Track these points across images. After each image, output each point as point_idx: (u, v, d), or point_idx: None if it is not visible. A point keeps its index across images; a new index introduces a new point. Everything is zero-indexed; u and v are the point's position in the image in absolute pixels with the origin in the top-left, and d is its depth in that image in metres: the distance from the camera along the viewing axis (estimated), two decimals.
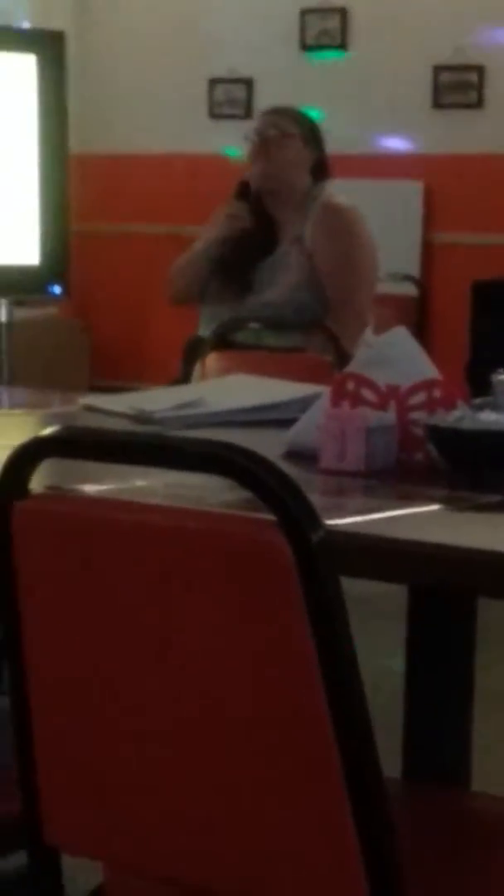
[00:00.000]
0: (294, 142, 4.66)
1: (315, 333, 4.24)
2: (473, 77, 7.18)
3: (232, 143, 7.04)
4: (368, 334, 2.21)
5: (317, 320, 4.41)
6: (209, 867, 1.51)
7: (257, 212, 4.67)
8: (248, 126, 4.86)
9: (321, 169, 4.70)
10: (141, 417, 2.44)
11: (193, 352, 3.90)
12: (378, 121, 7.34)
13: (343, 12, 7.41)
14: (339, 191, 4.74)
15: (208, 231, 4.74)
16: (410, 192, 7.27)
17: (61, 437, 1.51)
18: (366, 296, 4.60)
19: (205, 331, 4.48)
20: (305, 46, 7.53)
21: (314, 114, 4.92)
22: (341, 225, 4.58)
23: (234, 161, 4.82)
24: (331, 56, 7.49)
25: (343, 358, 3.55)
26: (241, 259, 4.63)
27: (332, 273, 4.54)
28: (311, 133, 4.71)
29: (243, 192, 4.68)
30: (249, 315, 4.47)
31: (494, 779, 2.66)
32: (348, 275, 4.55)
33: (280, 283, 4.56)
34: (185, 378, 3.84)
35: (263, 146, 4.64)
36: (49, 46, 6.28)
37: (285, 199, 4.63)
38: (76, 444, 1.52)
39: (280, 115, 4.77)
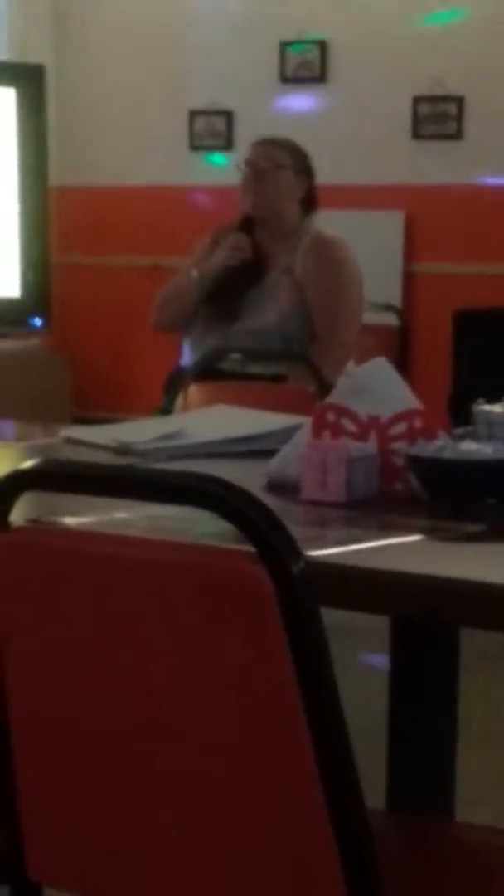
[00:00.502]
0: (286, 173, 4.68)
1: (298, 363, 4.26)
2: (452, 108, 7.21)
3: (212, 175, 7.07)
4: (350, 365, 2.21)
5: (300, 351, 4.42)
6: None
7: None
8: (239, 156, 4.87)
9: (311, 200, 4.73)
10: (122, 449, 2.44)
11: (175, 382, 3.90)
12: (358, 152, 7.36)
13: (322, 45, 7.44)
14: (320, 220, 4.76)
15: (192, 261, 4.75)
16: (391, 223, 7.29)
17: (42, 469, 1.51)
18: (352, 328, 4.63)
19: (190, 358, 4.50)
20: (285, 78, 7.56)
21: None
22: (331, 257, 4.60)
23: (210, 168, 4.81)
24: (310, 88, 7.52)
25: (325, 388, 3.56)
26: (230, 288, 4.65)
27: (321, 304, 4.56)
28: (302, 164, 4.73)
29: (245, 224, 4.69)
30: (233, 345, 4.48)
31: (478, 808, 2.65)
32: (336, 307, 4.57)
33: (268, 311, 4.58)
34: (167, 409, 3.84)
35: (256, 177, 4.66)
36: (29, 79, 6.30)
37: (275, 229, 4.65)
38: (56, 477, 1.52)
39: (273, 146, 4.79)
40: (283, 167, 4.67)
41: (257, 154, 4.74)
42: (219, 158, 7.47)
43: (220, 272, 4.65)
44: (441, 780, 2.18)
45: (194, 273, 4.70)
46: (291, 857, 1.42)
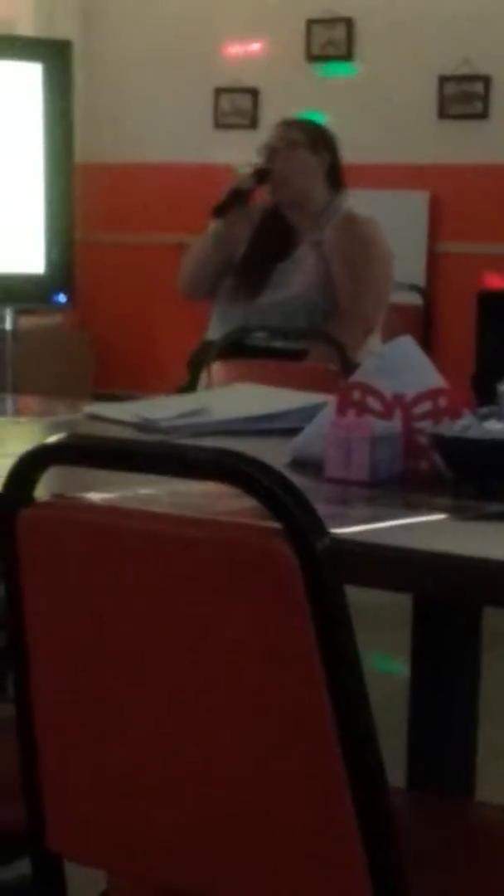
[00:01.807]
0: (299, 151, 4.68)
1: (320, 339, 4.27)
2: (479, 87, 7.18)
3: (237, 153, 7.05)
4: (375, 344, 2.21)
5: (323, 328, 4.43)
6: (212, 875, 1.51)
7: (275, 217, 4.70)
8: (253, 137, 4.90)
9: (336, 175, 4.72)
10: (145, 426, 2.44)
11: (200, 359, 3.91)
12: (384, 131, 7.34)
13: (349, 22, 7.41)
14: (350, 200, 4.75)
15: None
16: (416, 202, 7.27)
17: (67, 444, 1.51)
18: (374, 303, 4.63)
19: (215, 332, 4.51)
20: (311, 57, 7.53)
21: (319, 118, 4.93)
22: (360, 233, 4.61)
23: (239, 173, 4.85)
24: (337, 67, 7.50)
25: (347, 365, 3.56)
26: (258, 259, 4.66)
27: (345, 278, 4.57)
28: (319, 141, 4.73)
29: (258, 173, 4.70)
30: (258, 320, 4.49)
31: (499, 787, 2.65)
32: (360, 279, 4.58)
33: (294, 284, 4.60)
34: (191, 385, 3.84)
35: (272, 157, 4.68)
36: (55, 55, 6.28)
37: (300, 207, 4.66)
38: (83, 452, 1.52)
39: (288, 126, 4.80)
40: (297, 145, 4.68)
41: (272, 136, 4.76)
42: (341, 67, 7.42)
43: (230, 199, 4.65)
44: (461, 759, 2.18)
45: (210, 224, 4.73)
46: (312, 833, 1.42)
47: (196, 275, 4.76)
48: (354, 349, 4.15)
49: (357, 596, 1.48)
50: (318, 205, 4.67)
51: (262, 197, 4.81)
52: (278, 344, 4.40)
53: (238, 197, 4.71)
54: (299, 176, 4.67)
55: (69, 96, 6.30)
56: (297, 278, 4.60)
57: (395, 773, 1.82)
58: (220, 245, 4.70)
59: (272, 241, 4.69)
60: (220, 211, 4.71)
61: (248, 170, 4.80)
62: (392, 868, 1.41)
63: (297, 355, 4.29)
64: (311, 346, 4.34)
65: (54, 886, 1.63)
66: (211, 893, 1.53)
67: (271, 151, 4.69)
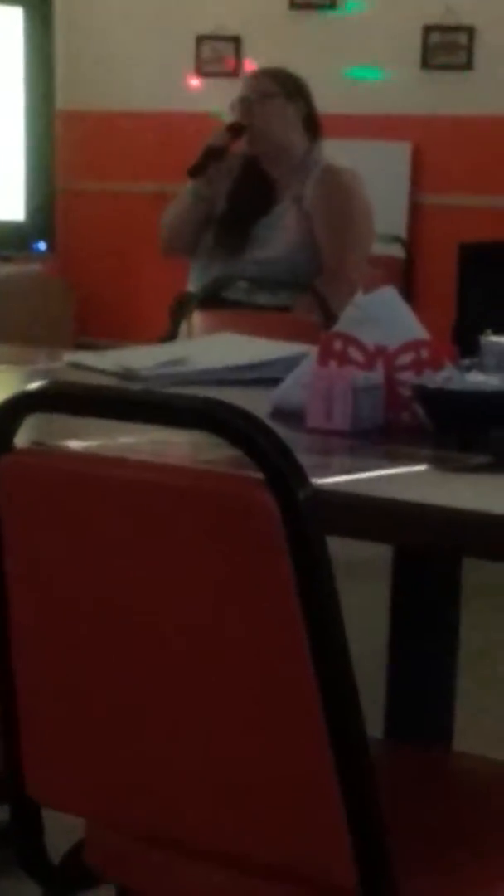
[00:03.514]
0: (275, 101, 4.63)
1: (304, 294, 4.25)
2: (463, 38, 7.14)
3: (219, 101, 7.00)
4: (357, 295, 2.20)
5: (307, 281, 4.40)
6: (190, 824, 1.51)
7: (254, 170, 4.66)
8: (234, 84, 4.85)
9: (312, 125, 4.67)
10: (126, 375, 2.43)
11: (181, 308, 3.89)
12: (366, 81, 7.30)
13: None
14: (328, 150, 4.72)
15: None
16: (398, 153, 7.24)
17: (47, 391, 1.50)
18: (358, 259, 4.60)
19: (195, 286, 4.48)
20: (294, 4, 7.48)
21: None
22: (341, 187, 4.57)
23: (218, 119, 4.81)
24: (320, 14, 7.44)
25: (330, 319, 3.55)
26: (238, 216, 4.62)
27: (329, 235, 4.53)
28: (294, 89, 4.68)
29: (232, 127, 4.67)
30: (240, 273, 4.46)
31: (476, 738, 2.66)
32: (344, 237, 4.55)
33: (276, 241, 4.56)
34: (172, 335, 3.83)
35: (247, 110, 4.62)
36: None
37: (280, 159, 4.62)
38: (62, 399, 1.51)
39: (260, 77, 4.75)
40: (271, 95, 4.63)
41: (245, 88, 4.71)
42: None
43: (206, 155, 4.62)
44: (440, 710, 2.19)
45: (189, 182, 4.69)
46: (292, 782, 1.43)
47: (176, 232, 4.72)
48: (340, 304, 4.13)
49: (338, 546, 1.48)
50: (296, 155, 4.62)
51: (241, 148, 4.77)
52: (261, 299, 4.38)
53: (214, 154, 4.66)
54: (277, 127, 4.62)
55: (50, 42, 6.26)
56: (279, 236, 4.57)
57: (374, 723, 1.82)
58: (200, 202, 4.66)
59: (252, 195, 4.64)
60: (196, 170, 4.66)
61: (222, 123, 4.76)
62: (371, 815, 1.41)
63: (279, 311, 4.27)
64: (295, 302, 4.32)
65: (32, 833, 1.63)
66: (188, 840, 1.53)
67: (246, 104, 4.64)
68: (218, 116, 4.82)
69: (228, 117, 4.77)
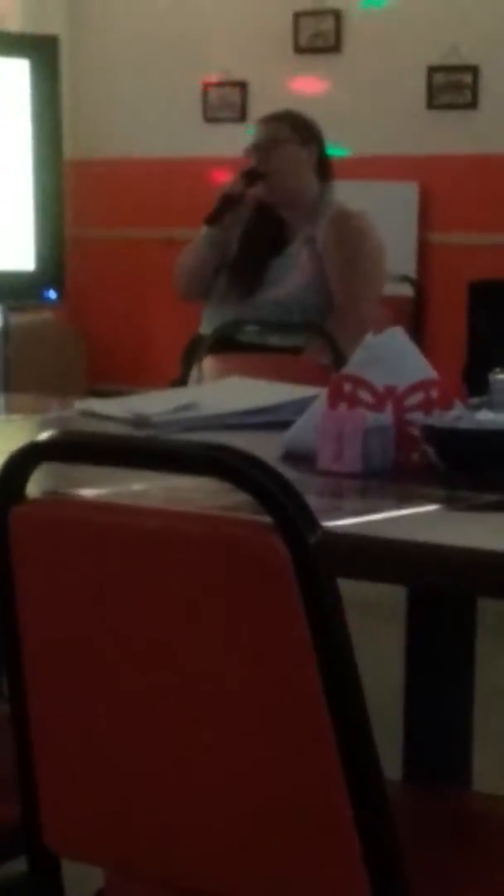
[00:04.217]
0: (289, 147, 4.65)
1: (315, 335, 4.26)
2: (468, 77, 7.18)
3: (227, 146, 7.04)
4: (367, 336, 2.21)
5: (319, 322, 4.41)
6: (208, 871, 1.51)
7: (267, 213, 4.68)
8: (242, 130, 4.87)
9: (324, 168, 4.69)
10: (138, 421, 2.44)
11: (193, 352, 3.90)
12: (373, 122, 7.34)
13: (337, 14, 7.40)
14: (338, 193, 4.74)
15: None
16: (406, 193, 7.27)
17: (58, 441, 1.51)
18: (371, 303, 4.61)
19: (207, 329, 4.49)
20: (299, 49, 7.53)
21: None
22: (353, 229, 4.59)
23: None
24: (325, 58, 7.49)
25: (341, 360, 3.56)
26: (251, 258, 4.64)
27: (340, 276, 4.54)
28: (306, 132, 4.70)
29: (248, 174, 4.68)
30: (251, 317, 4.48)
31: (495, 777, 2.65)
32: (356, 281, 4.56)
33: (288, 282, 4.57)
34: (183, 379, 3.84)
35: (262, 158, 4.63)
36: (43, 51, 6.27)
37: (293, 203, 4.64)
38: (73, 449, 1.52)
39: (272, 121, 4.77)
40: (286, 141, 4.65)
41: (258, 134, 4.72)
42: None
43: (222, 204, 4.63)
44: (457, 750, 2.18)
45: (203, 228, 4.71)
46: (309, 826, 1.42)
47: (192, 278, 4.73)
48: (350, 347, 4.14)
49: (352, 587, 1.48)
50: (309, 198, 4.65)
51: (254, 194, 4.78)
52: (273, 341, 4.39)
53: (230, 202, 4.68)
54: (292, 173, 4.64)
55: (57, 92, 6.30)
56: (291, 275, 4.58)
57: (392, 765, 1.82)
58: (214, 249, 4.68)
59: (264, 237, 4.66)
60: (213, 218, 4.67)
61: (238, 172, 4.78)
62: (389, 860, 1.41)
63: (292, 353, 4.28)
64: (306, 343, 4.33)
65: (51, 884, 1.63)
66: (207, 889, 1.53)
67: (261, 152, 4.66)
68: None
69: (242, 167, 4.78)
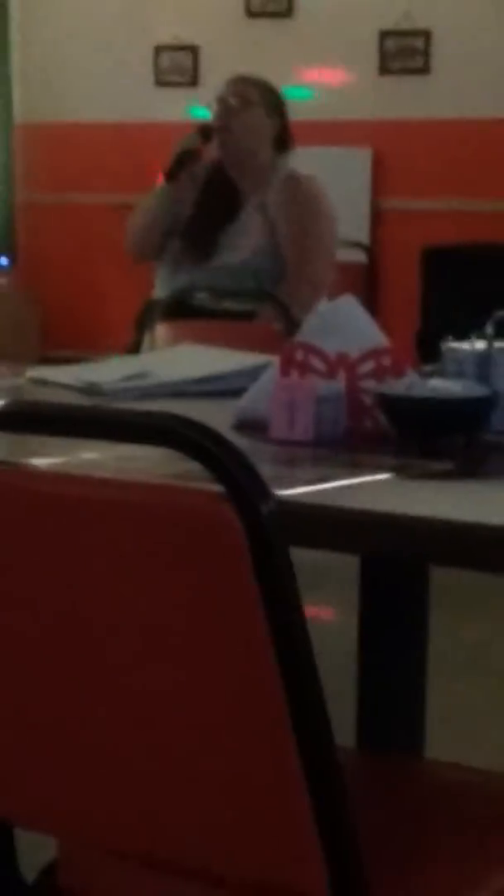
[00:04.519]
0: (255, 110, 4.66)
1: (267, 301, 4.26)
2: (420, 42, 7.16)
3: (178, 111, 7.00)
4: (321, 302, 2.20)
5: (268, 289, 4.42)
6: (162, 838, 1.51)
7: (220, 178, 4.68)
8: (193, 94, 4.86)
9: (284, 139, 4.71)
10: (88, 390, 2.43)
11: (146, 317, 3.88)
12: (325, 88, 7.32)
13: None
14: (291, 158, 4.74)
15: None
16: (359, 159, 7.25)
17: (9, 410, 1.49)
18: (323, 266, 4.61)
19: (162, 293, 4.48)
20: (251, 13, 7.49)
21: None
22: (304, 194, 4.59)
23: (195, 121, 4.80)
24: (277, 23, 7.45)
25: (293, 326, 3.55)
26: (204, 224, 4.64)
27: (292, 241, 4.55)
28: (274, 103, 4.72)
29: (202, 129, 4.70)
30: (205, 282, 4.47)
31: (447, 746, 2.67)
32: (307, 243, 4.57)
33: (241, 247, 4.58)
34: (137, 345, 3.82)
35: (225, 113, 4.64)
36: None
37: (248, 168, 4.64)
38: (22, 418, 1.50)
39: (243, 83, 4.77)
40: (253, 105, 4.65)
41: (226, 90, 4.72)
42: None
43: (175, 163, 4.64)
44: (410, 718, 2.19)
45: (157, 186, 4.71)
46: (261, 792, 1.42)
47: (144, 236, 4.73)
48: (305, 311, 4.14)
49: (304, 555, 1.48)
50: (262, 165, 4.64)
51: (208, 155, 4.78)
52: (226, 306, 4.39)
53: (187, 157, 4.69)
54: (251, 135, 4.65)
55: (6, 55, 6.25)
56: (243, 241, 4.58)
57: (345, 733, 1.82)
58: (168, 206, 4.68)
59: (218, 202, 4.66)
60: (172, 174, 4.68)
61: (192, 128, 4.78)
62: (342, 827, 1.41)
63: (246, 317, 4.28)
64: (258, 308, 4.34)
65: (4, 853, 1.63)
66: (160, 856, 1.53)
67: (225, 107, 4.66)
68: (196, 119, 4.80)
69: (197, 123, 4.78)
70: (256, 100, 4.67)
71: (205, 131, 4.70)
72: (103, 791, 1.53)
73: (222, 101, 4.68)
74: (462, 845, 1.63)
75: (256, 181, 4.63)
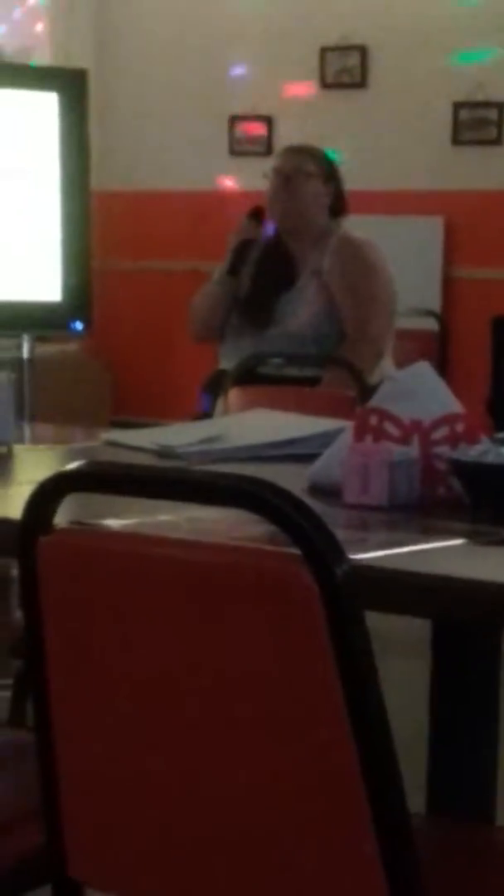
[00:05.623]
0: (314, 180, 4.69)
1: (332, 365, 4.29)
2: (493, 113, 7.20)
3: (252, 180, 7.06)
4: (391, 369, 2.22)
5: (336, 353, 4.44)
6: None
7: (276, 248, 4.72)
8: (267, 164, 4.90)
9: (339, 205, 4.75)
10: (163, 452, 2.45)
11: (216, 385, 3.91)
12: (398, 157, 7.36)
13: (363, 50, 7.44)
14: (360, 226, 4.77)
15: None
16: (431, 228, 7.28)
17: (85, 471, 1.51)
18: (381, 325, 4.63)
19: (226, 365, 4.51)
20: (325, 84, 7.56)
21: (332, 153, 4.95)
22: (356, 255, 4.62)
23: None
24: (351, 93, 7.52)
25: (363, 390, 3.57)
26: (261, 294, 4.68)
27: (348, 302, 4.57)
28: (329, 170, 4.76)
29: (253, 213, 4.75)
30: (270, 350, 4.50)
31: None
32: (364, 304, 4.59)
33: (300, 314, 4.60)
34: (208, 412, 3.85)
35: (284, 185, 4.68)
36: (71, 84, 6.30)
37: (304, 235, 4.68)
38: (101, 479, 1.52)
39: (299, 153, 4.81)
40: (311, 175, 4.69)
41: (284, 161, 4.76)
42: None
43: (234, 256, 4.69)
44: (481, 785, 2.17)
45: (215, 273, 4.76)
46: (336, 861, 1.42)
47: (206, 322, 4.79)
48: (367, 373, 4.17)
49: (377, 620, 1.48)
50: (319, 232, 4.68)
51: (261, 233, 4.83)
52: (292, 372, 4.41)
53: (245, 249, 4.75)
54: (310, 206, 4.68)
55: (85, 125, 6.32)
56: (302, 308, 4.61)
57: (416, 798, 1.81)
58: (231, 293, 4.73)
59: (274, 273, 4.70)
60: (233, 270, 4.74)
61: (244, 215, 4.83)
62: (412, 893, 1.40)
63: (311, 383, 4.30)
64: (324, 372, 4.36)
65: None
66: None
67: (283, 178, 4.69)
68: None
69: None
70: (314, 170, 4.71)
71: (256, 215, 4.76)
72: (178, 855, 1.53)
73: (279, 172, 4.71)
74: None
75: (312, 247, 4.67)
